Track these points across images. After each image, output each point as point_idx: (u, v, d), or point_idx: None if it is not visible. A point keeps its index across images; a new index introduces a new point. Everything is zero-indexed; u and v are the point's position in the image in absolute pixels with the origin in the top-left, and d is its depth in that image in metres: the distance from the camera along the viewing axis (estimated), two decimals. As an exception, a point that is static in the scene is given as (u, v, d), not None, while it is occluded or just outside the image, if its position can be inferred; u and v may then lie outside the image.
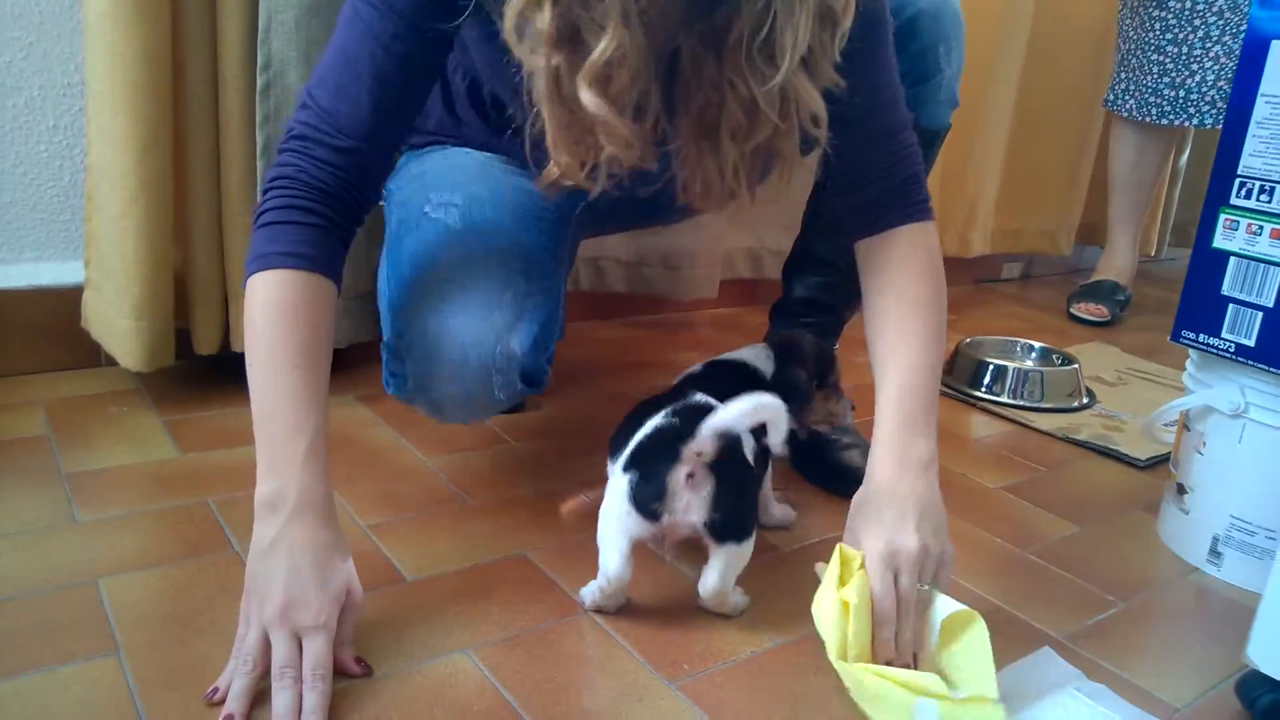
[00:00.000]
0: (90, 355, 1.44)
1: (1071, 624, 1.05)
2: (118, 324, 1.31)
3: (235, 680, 0.80)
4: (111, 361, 1.37)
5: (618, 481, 0.94)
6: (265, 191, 0.93)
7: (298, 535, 0.85)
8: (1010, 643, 0.99)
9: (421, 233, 1.10)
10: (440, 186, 1.14)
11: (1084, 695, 0.91)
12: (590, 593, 0.98)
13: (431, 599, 0.98)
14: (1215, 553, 1.17)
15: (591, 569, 0.98)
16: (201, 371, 1.47)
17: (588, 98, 0.81)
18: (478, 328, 1.02)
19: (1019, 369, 1.74)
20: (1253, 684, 0.91)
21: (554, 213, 1.15)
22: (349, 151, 0.93)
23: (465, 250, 1.07)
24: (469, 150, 1.21)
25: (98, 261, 1.33)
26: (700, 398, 0.99)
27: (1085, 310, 2.48)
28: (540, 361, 1.08)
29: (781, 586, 1.06)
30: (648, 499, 0.92)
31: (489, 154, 1.20)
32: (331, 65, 0.94)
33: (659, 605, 1.01)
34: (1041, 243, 2.75)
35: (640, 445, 0.95)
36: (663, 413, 0.96)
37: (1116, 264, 2.57)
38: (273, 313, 0.89)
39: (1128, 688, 0.95)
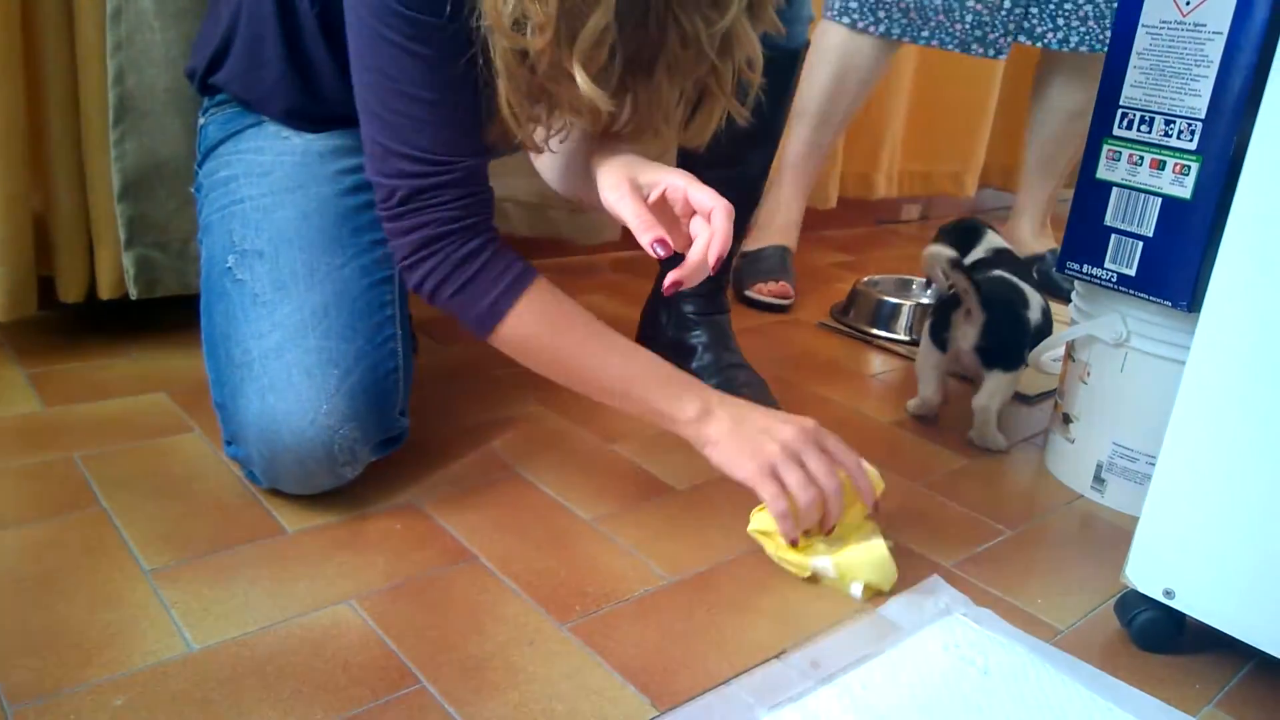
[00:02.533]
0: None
1: (960, 552, 1.06)
2: (-29, 270, 1.23)
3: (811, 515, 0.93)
4: (-33, 312, 1.29)
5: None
6: (419, 262, 0.93)
7: (741, 404, 0.98)
8: (900, 573, 1.00)
9: (228, 304, 1.03)
10: (247, 219, 1.05)
11: (970, 620, 0.92)
12: (911, 406, 1.41)
13: (313, 550, 0.95)
14: (1099, 479, 1.20)
15: (489, 516, 0.99)
16: (67, 321, 1.39)
17: (582, 80, 0.81)
18: (307, 419, 0.96)
19: (916, 306, 1.75)
20: (1131, 603, 0.93)
21: None
22: (468, 177, 0.92)
23: (277, 323, 0.99)
24: (284, 134, 1.11)
25: (-52, 205, 1.24)
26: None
27: (763, 292, 1.88)
28: (390, 425, 1.03)
29: (676, 525, 1.05)
30: (939, 331, 1.31)
31: (312, 138, 1.10)
32: (378, 100, 0.90)
33: (550, 547, 0.99)
34: (947, 184, 2.77)
35: (939, 297, 1.38)
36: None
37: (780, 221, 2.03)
38: (552, 324, 0.97)
39: (1013, 611, 0.96)
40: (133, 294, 1.31)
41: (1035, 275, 2.00)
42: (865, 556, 0.96)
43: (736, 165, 1.35)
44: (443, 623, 0.86)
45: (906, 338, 1.73)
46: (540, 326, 0.96)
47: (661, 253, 0.88)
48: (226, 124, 1.14)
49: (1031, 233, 2.25)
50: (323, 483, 1.00)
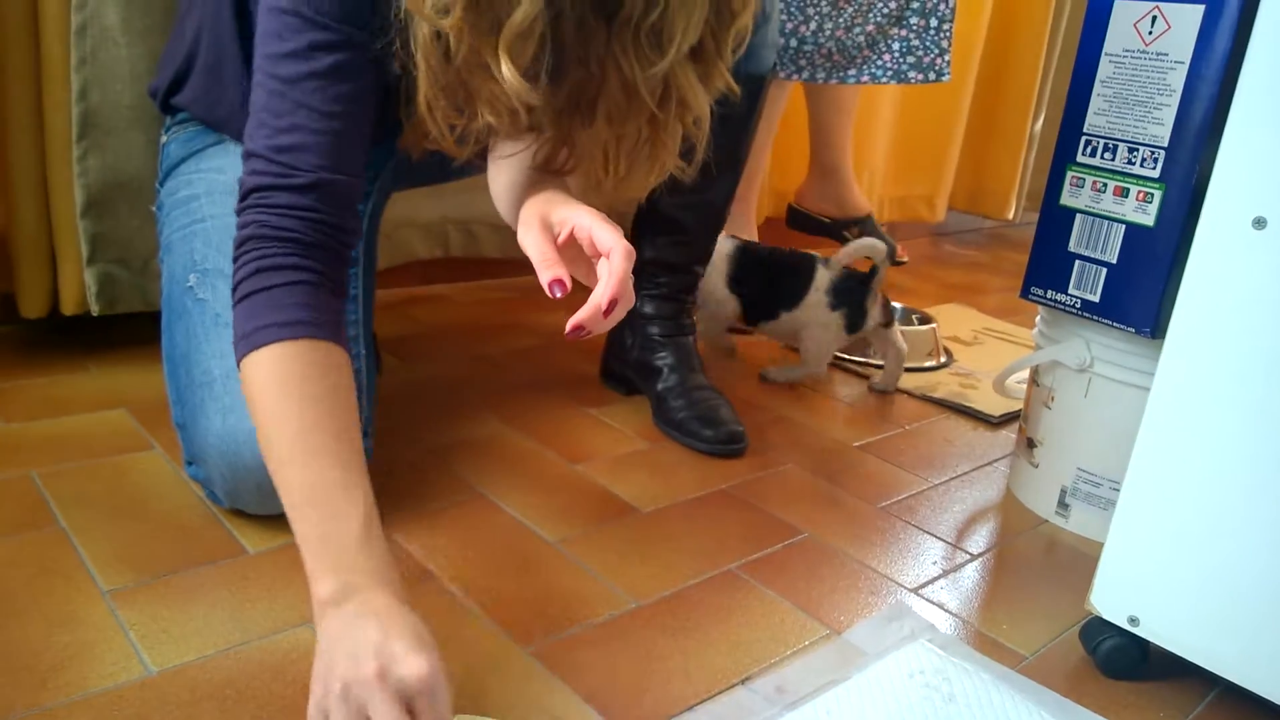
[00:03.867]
0: (-99, 320, 1.34)
1: (922, 576, 1.07)
2: (-70, 285, 1.21)
3: None
4: (-75, 327, 1.28)
5: None
6: (234, 261, 0.84)
7: (381, 608, 0.70)
8: (864, 595, 1.00)
9: (189, 323, 1.01)
10: (209, 238, 1.04)
11: (934, 646, 0.92)
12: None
13: (275, 572, 0.93)
14: (1063, 504, 1.20)
15: (453, 538, 0.96)
16: (28, 336, 1.37)
17: (506, 69, 0.76)
18: None
19: (880, 329, 1.77)
20: (1095, 630, 0.94)
21: None
22: (312, 187, 0.84)
23: None
24: None
25: (-94, 218, 1.23)
26: None
27: None
28: None
29: (640, 548, 1.05)
30: (858, 317, 1.57)
31: None
32: (262, 101, 0.85)
33: (513, 569, 0.98)
34: (920, 209, 2.80)
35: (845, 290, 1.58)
36: None
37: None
38: (275, 392, 0.79)
39: (977, 637, 0.97)
40: (94, 310, 1.30)
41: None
42: None
43: (700, 191, 1.35)
44: (405, 646, 0.85)
45: (870, 360, 1.74)
46: (264, 390, 0.80)
47: (559, 294, 0.82)
48: (188, 142, 1.13)
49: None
50: None
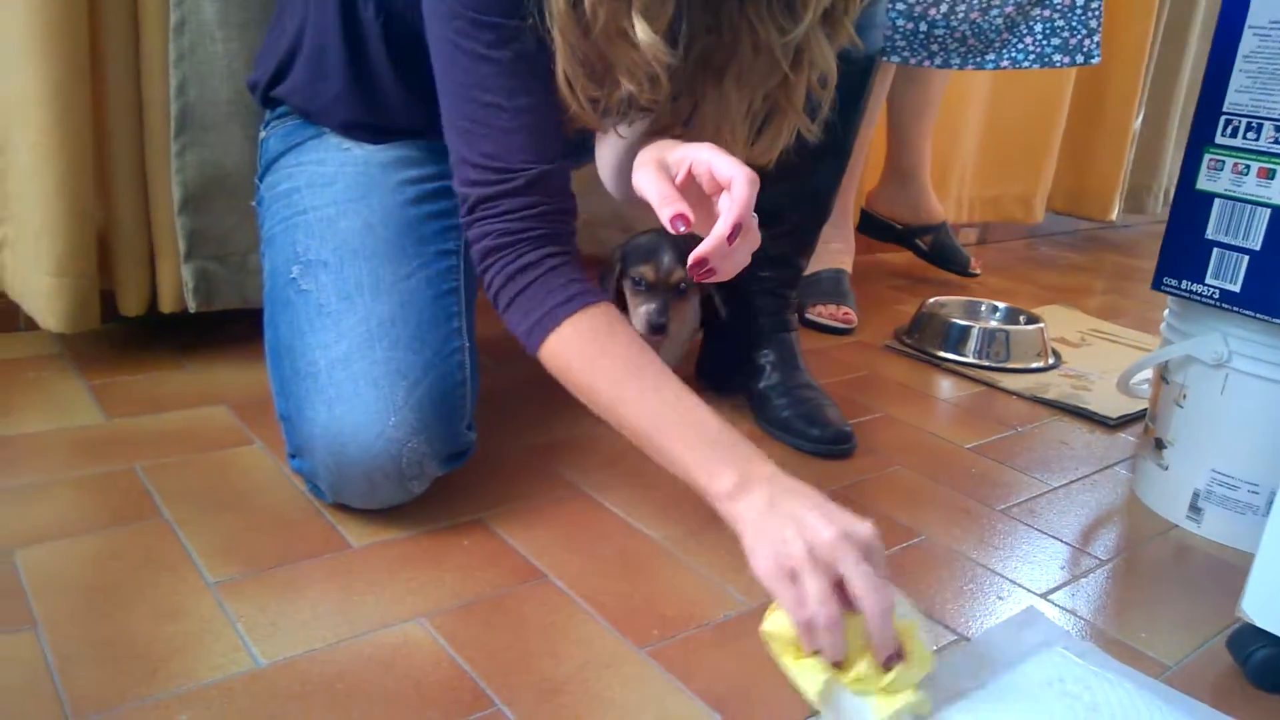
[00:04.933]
0: (7, 318, 1.34)
1: (1051, 581, 1.01)
2: (37, 281, 1.21)
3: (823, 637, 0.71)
4: (31, 325, 1.28)
5: None
6: (483, 271, 0.90)
7: (794, 485, 0.78)
8: (990, 600, 0.95)
9: (293, 314, 1.00)
10: (311, 230, 1.03)
11: (1072, 654, 0.87)
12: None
13: (380, 566, 0.91)
14: (1195, 508, 1.13)
15: (558, 535, 0.95)
16: (128, 334, 1.38)
17: (643, 31, 0.76)
18: (375, 431, 0.92)
19: (985, 329, 1.70)
20: (1246, 638, 0.87)
21: (451, 212, 1.02)
22: (529, 185, 0.87)
23: (343, 333, 0.96)
24: (345, 145, 1.08)
25: (13, 216, 1.23)
26: None
27: (823, 314, 1.84)
28: (457, 438, 1.00)
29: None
30: (662, 318, 1.28)
31: (374, 149, 1.08)
32: (456, 110, 0.87)
33: (621, 568, 0.95)
34: (1015, 210, 2.69)
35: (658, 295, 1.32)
36: None
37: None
38: (590, 355, 0.86)
39: (1116, 645, 0.91)
40: (191, 306, 1.30)
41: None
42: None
43: (805, 179, 1.31)
44: (516, 643, 0.82)
45: (976, 360, 1.67)
46: (578, 354, 0.87)
47: (682, 228, 0.81)
48: (287, 136, 1.12)
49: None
50: (389, 497, 0.97)
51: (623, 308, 1.28)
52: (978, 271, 2.26)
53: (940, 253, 2.24)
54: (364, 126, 1.08)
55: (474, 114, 0.86)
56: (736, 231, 0.80)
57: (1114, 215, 2.85)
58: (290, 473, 1.04)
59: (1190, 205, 1.08)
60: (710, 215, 0.84)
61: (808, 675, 0.73)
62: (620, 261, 1.29)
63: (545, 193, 0.88)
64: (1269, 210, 1.01)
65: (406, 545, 0.95)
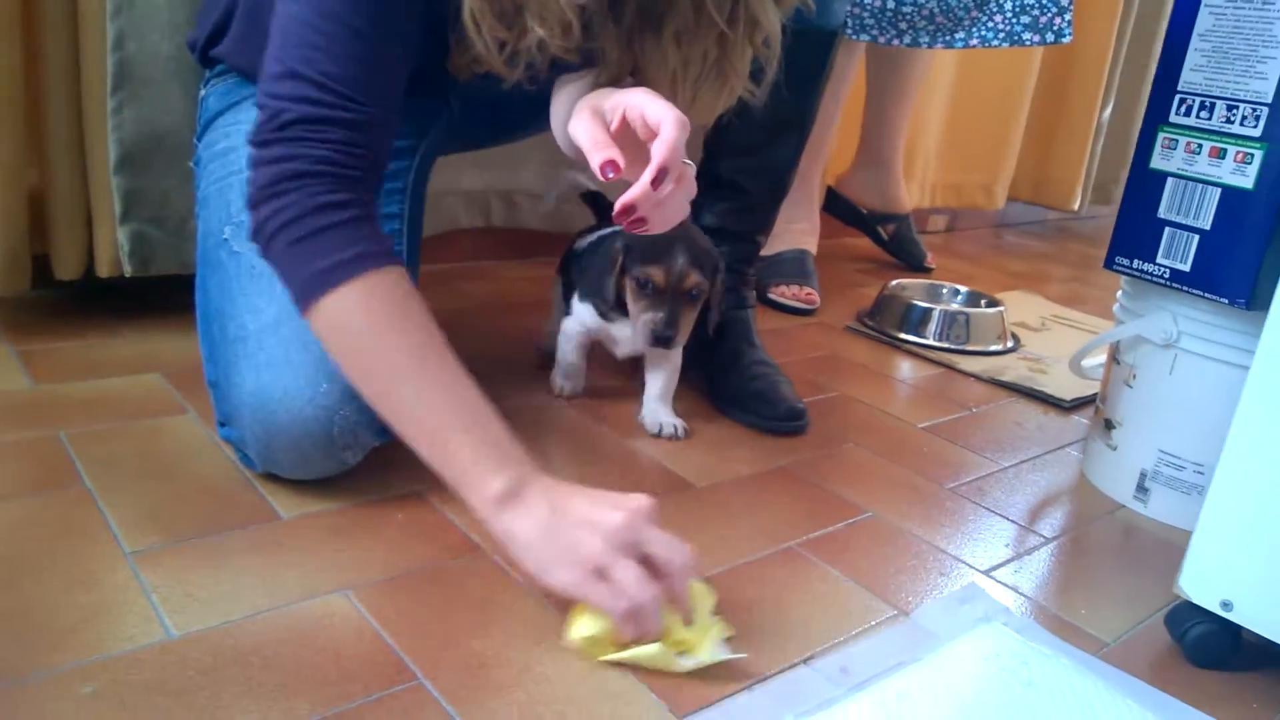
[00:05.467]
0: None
1: (995, 558, 1.00)
2: (-37, 243, 1.17)
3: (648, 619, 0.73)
4: (-42, 288, 1.24)
5: None
6: (273, 196, 0.79)
7: (561, 483, 0.78)
8: (933, 576, 0.94)
9: (224, 277, 0.96)
10: (244, 190, 0.98)
11: (1010, 629, 0.86)
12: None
13: (308, 538, 0.88)
14: (1143, 488, 1.13)
15: None
16: (64, 300, 1.34)
17: None
18: (305, 397, 0.89)
19: (945, 311, 1.69)
20: (1183, 615, 0.87)
21: (395, 174, 0.98)
22: (367, 124, 0.81)
23: (274, 297, 0.91)
24: None
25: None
26: None
27: (785, 295, 1.83)
28: None
29: (695, 524, 0.99)
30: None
31: None
32: (310, 25, 0.79)
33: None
34: (978, 196, 2.69)
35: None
36: None
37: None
38: (370, 326, 0.79)
39: (1055, 622, 0.90)
40: (126, 270, 1.25)
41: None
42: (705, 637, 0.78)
43: (764, 153, 1.29)
44: (445, 618, 0.80)
45: (936, 343, 1.66)
46: (357, 320, 0.80)
47: (611, 175, 0.78)
48: (227, 95, 1.09)
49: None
50: (321, 467, 0.94)
51: (621, 309, 1.16)
52: (932, 267, 2.25)
53: (899, 244, 2.23)
54: None
55: (333, 31, 0.80)
56: (663, 176, 0.77)
57: (1077, 205, 2.85)
58: (221, 441, 1.01)
59: (1144, 184, 1.06)
60: (645, 163, 0.80)
61: (647, 657, 0.75)
62: (622, 256, 1.13)
63: (375, 142, 0.82)
64: (1219, 189, 1.00)
65: (338, 517, 0.92)
